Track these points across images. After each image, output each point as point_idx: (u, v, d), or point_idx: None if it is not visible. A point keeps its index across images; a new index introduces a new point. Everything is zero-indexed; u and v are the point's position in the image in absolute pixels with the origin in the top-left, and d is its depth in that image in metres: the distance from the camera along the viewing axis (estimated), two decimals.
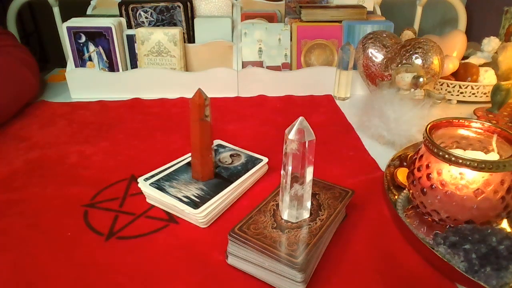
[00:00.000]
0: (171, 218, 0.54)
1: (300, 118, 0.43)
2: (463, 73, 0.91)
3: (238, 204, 0.57)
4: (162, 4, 0.97)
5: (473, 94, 0.90)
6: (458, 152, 0.46)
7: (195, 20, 0.99)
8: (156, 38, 0.94)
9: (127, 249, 0.48)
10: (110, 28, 0.92)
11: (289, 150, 0.43)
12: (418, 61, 0.79)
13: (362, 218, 0.53)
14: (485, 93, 0.89)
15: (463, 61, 0.94)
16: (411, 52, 0.80)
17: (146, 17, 0.98)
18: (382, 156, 0.68)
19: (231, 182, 0.57)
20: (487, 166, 0.43)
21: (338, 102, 0.95)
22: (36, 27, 2.11)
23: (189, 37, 1.01)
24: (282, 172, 0.46)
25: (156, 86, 0.96)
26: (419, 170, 0.49)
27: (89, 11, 1.09)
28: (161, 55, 0.95)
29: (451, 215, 0.47)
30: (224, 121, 0.83)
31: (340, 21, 0.98)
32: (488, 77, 0.90)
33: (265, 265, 0.42)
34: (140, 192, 0.57)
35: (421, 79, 0.73)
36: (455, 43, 0.95)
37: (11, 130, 0.79)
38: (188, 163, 0.61)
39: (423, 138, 0.49)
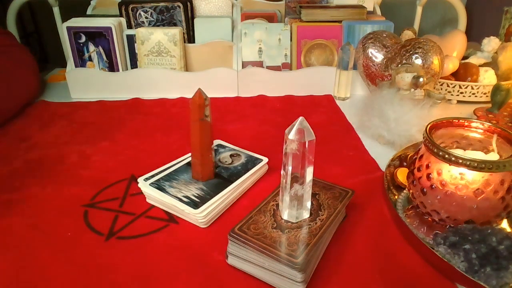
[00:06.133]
0: (171, 218, 0.54)
1: (300, 118, 0.43)
2: (463, 73, 0.91)
3: (238, 204, 0.57)
4: (162, 4, 0.97)
5: (473, 94, 0.90)
6: (458, 152, 0.46)
7: (195, 20, 0.99)
8: (156, 38, 0.94)
9: (127, 249, 0.48)
10: (110, 28, 0.92)
11: (289, 150, 0.43)
12: (418, 61, 0.79)
13: (362, 218, 0.53)
14: (485, 93, 0.89)
15: (463, 61, 0.94)
16: (411, 52, 0.80)
17: (146, 17, 0.98)
18: (382, 156, 0.68)
19: (231, 182, 0.57)
20: (487, 166, 0.43)
21: (338, 102, 0.95)
22: (36, 27, 2.11)
23: (189, 37, 1.01)
24: (282, 172, 0.46)
25: (156, 86, 0.96)
26: (419, 170, 0.49)
27: (89, 11, 1.09)
28: (161, 55, 0.95)
29: (451, 215, 0.47)
30: (224, 121, 0.83)
31: (340, 21, 0.98)
32: (488, 77, 0.90)
33: (265, 265, 0.42)
34: (140, 192, 0.57)
35: (421, 79, 0.73)
36: (455, 43, 0.95)
37: (11, 130, 0.79)
38: (188, 163, 0.61)
39: (423, 138, 0.49)
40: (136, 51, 0.96)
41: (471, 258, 0.42)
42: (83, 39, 0.94)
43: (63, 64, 1.03)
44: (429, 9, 1.30)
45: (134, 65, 0.98)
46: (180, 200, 0.53)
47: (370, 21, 1.00)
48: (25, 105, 0.89)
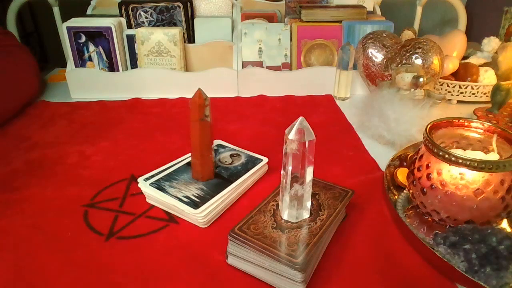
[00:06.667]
0: (171, 218, 0.54)
1: (300, 118, 0.43)
2: (463, 73, 0.91)
3: (238, 204, 0.57)
4: (162, 4, 0.97)
5: (473, 94, 0.90)
6: (458, 152, 0.46)
7: (195, 20, 0.99)
8: (156, 38, 0.94)
9: (127, 249, 0.48)
10: (110, 28, 0.92)
11: (289, 150, 0.43)
12: (418, 61, 0.79)
13: (362, 218, 0.53)
14: (485, 93, 0.89)
15: (463, 61, 0.94)
16: (411, 52, 0.80)
17: (146, 17, 0.98)
18: (382, 156, 0.68)
19: (231, 182, 0.57)
20: (487, 166, 0.43)
21: (338, 102, 0.95)
22: (36, 27, 2.11)
23: (189, 37, 1.01)
24: (282, 172, 0.46)
25: (156, 86, 0.96)
26: (419, 170, 0.49)
27: (89, 11, 1.09)
28: (161, 55, 0.95)
29: (451, 215, 0.47)
30: (224, 121, 0.83)
31: (340, 21, 0.98)
32: (488, 77, 0.90)
33: (265, 265, 0.42)
34: (140, 192, 0.57)
35: (421, 79, 0.73)
36: (455, 43, 0.95)
37: (11, 130, 0.79)
38: (188, 163, 0.61)
39: (423, 138, 0.49)
40: (136, 51, 0.96)
41: (471, 258, 0.42)
42: (83, 39, 0.94)
43: (63, 64, 1.03)
44: (429, 9, 1.30)
45: (134, 65, 0.98)
46: (180, 200, 0.53)
47: (370, 21, 1.00)
48: (25, 105, 0.89)
